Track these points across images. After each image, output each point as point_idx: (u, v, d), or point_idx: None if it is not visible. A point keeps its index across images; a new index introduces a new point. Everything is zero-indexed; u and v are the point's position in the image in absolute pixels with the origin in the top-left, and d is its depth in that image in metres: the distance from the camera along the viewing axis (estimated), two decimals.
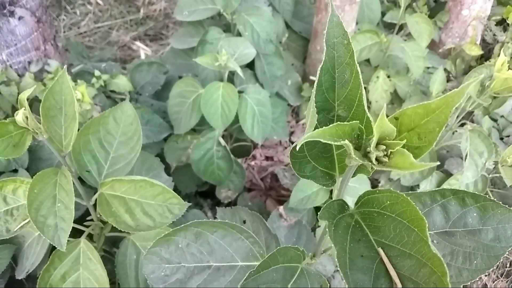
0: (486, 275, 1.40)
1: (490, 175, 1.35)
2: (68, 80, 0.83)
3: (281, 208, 1.14)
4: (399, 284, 0.36)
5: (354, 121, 0.35)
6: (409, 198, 0.37)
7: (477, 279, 1.45)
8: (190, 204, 0.90)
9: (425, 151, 0.34)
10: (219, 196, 1.54)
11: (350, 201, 1.36)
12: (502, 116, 1.76)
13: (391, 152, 0.34)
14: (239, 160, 1.55)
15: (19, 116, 0.72)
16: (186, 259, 0.73)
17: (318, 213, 0.39)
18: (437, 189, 0.53)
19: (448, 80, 1.86)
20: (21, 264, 1.02)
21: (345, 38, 0.39)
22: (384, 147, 0.34)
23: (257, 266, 0.49)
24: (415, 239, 0.36)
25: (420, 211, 0.36)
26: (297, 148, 0.33)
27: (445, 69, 1.93)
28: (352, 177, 0.41)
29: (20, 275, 0.99)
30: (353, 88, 0.39)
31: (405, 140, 0.34)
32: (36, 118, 0.78)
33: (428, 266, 0.35)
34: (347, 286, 0.35)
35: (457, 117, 1.36)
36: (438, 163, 0.32)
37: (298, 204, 1.26)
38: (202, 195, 1.70)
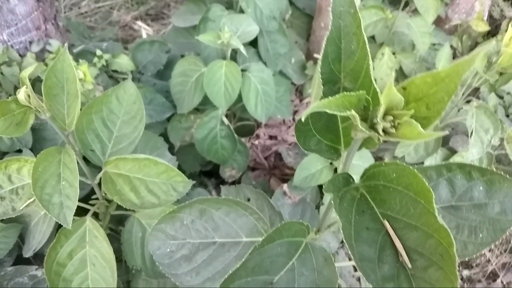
0: (489, 251, 1.40)
1: (495, 152, 1.35)
2: (70, 58, 0.82)
3: (285, 186, 1.14)
4: (404, 255, 0.36)
5: (361, 92, 0.34)
6: (415, 170, 0.36)
7: (482, 254, 1.46)
8: (194, 182, 0.90)
9: (433, 121, 0.34)
10: (223, 175, 1.55)
11: (355, 178, 1.36)
12: (508, 93, 1.74)
13: (398, 123, 0.33)
14: (243, 139, 1.55)
15: (21, 94, 0.71)
16: (191, 235, 0.74)
17: (323, 188, 0.38)
18: (443, 163, 0.52)
19: (454, 57, 1.84)
20: (28, 242, 1.03)
21: (351, 7, 0.38)
22: (391, 117, 0.33)
23: (262, 240, 0.50)
24: (421, 211, 0.36)
25: (426, 183, 0.35)
26: (303, 120, 0.32)
27: (451, 46, 1.90)
28: (358, 150, 0.41)
29: (27, 253, 1.00)
30: (359, 59, 0.38)
31: (412, 110, 0.33)
32: (39, 98, 0.78)
33: (434, 238, 0.35)
34: (352, 258, 0.35)
35: (463, 94, 1.34)
36: (447, 132, 0.31)
37: (302, 182, 1.26)
38: (206, 175, 1.70)
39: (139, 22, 2.94)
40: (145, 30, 2.83)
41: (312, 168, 1.27)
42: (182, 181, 0.88)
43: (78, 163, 0.92)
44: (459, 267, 1.38)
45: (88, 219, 0.93)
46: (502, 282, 1.32)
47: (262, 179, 1.65)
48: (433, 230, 0.35)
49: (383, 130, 0.34)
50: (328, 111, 0.30)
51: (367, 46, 0.38)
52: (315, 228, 0.58)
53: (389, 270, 0.36)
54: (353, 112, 0.31)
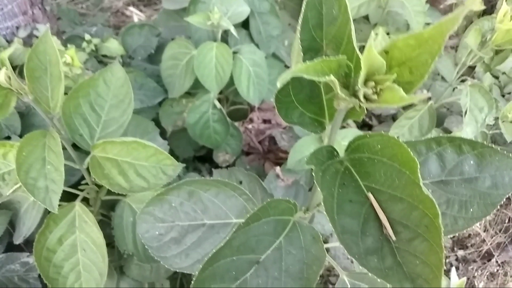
0: (484, 231, 1.40)
1: (490, 132, 1.34)
2: (52, 40, 0.80)
3: (278, 168, 1.13)
4: (388, 227, 0.35)
5: (341, 57, 0.32)
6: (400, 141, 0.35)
7: (477, 233, 1.46)
8: (184, 165, 0.89)
9: (417, 85, 0.32)
10: (216, 160, 1.53)
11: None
12: (503, 73, 1.72)
13: (380, 89, 0.32)
14: (236, 124, 1.53)
15: (1, 76, 0.69)
16: (180, 217, 0.73)
17: (305, 161, 0.37)
18: (432, 137, 0.51)
19: (449, 37, 1.82)
20: (18, 229, 1.02)
21: None
22: (373, 83, 0.32)
23: (246, 218, 0.48)
24: (406, 182, 0.34)
25: (411, 153, 0.34)
26: (278, 86, 0.30)
27: None
28: (343, 122, 0.39)
29: (18, 240, 0.99)
30: (341, 25, 0.36)
31: (395, 75, 0.31)
32: (22, 81, 0.76)
33: (419, 209, 0.34)
34: (334, 231, 0.34)
35: (458, 73, 1.33)
36: (429, 94, 0.29)
37: (295, 165, 1.25)
38: (200, 160, 1.69)
39: (131, 8, 2.89)
40: (137, 15, 2.79)
41: (305, 150, 1.25)
42: (172, 164, 0.87)
43: (65, 147, 0.91)
44: (454, 247, 1.38)
45: (77, 204, 0.92)
46: (497, 261, 1.32)
47: (256, 164, 1.64)
48: (418, 201, 0.34)
49: (365, 97, 0.32)
50: (305, 76, 0.29)
51: (349, 10, 0.36)
52: (304, 207, 0.57)
53: (373, 243, 0.35)
54: (332, 77, 0.30)
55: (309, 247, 0.51)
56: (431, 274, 0.33)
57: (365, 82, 0.32)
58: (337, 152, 0.40)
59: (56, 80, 0.79)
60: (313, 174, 0.35)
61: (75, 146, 0.97)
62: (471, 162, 0.50)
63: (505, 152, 0.49)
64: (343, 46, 0.37)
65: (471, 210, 0.49)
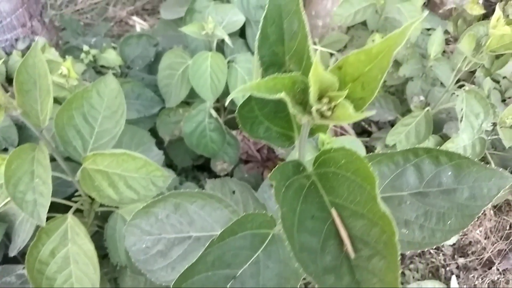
0: (485, 238, 1.38)
1: (489, 137, 1.32)
2: (41, 53, 0.81)
3: None
4: (348, 245, 0.34)
5: (295, 74, 0.32)
6: (363, 156, 0.34)
7: (478, 241, 1.44)
8: (174, 176, 0.89)
9: (368, 101, 0.32)
10: (214, 169, 1.53)
11: None
12: (504, 77, 1.70)
13: (335, 105, 0.31)
14: (234, 132, 1.53)
15: None
16: (166, 230, 0.73)
17: (269, 176, 0.37)
18: (409, 148, 0.50)
19: (447, 43, 1.80)
20: (13, 241, 1.03)
21: None
22: (327, 99, 0.32)
23: (220, 232, 0.48)
24: (367, 198, 0.34)
25: (370, 168, 0.33)
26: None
27: (446, 31, 1.87)
28: (309, 137, 0.39)
29: (13, 252, 1.00)
30: (301, 40, 0.36)
31: (346, 91, 0.31)
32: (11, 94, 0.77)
33: (379, 225, 0.33)
34: (290, 249, 0.33)
35: (455, 78, 1.31)
36: (374, 112, 0.29)
37: None
38: (199, 169, 1.69)
39: (134, 17, 2.92)
40: (139, 24, 2.82)
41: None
42: (162, 176, 0.87)
43: (56, 160, 0.91)
44: (454, 255, 1.36)
45: (70, 216, 0.92)
46: (498, 269, 1.29)
47: (255, 172, 1.64)
48: (378, 217, 0.33)
49: (321, 113, 0.32)
50: (256, 93, 0.29)
51: (307, 26, 0.36)
52: None
53: (331, 261, 0.34)
54: (283, 94, 0.29)
55: (287, 261, 0.51)
56: None
57: (320, 99, 0.32)
58: (304, 166, 0.40)
59: (45, 93, 0.80)
60: (273, 191, 0.35)
61: (69, 158, 0.97)
62: (449, 173, 0.50)
63: (481, 163, 0.49)
64: (305, 61, 0.37)
65: (449, 222, 0.48)
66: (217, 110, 1.53)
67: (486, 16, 2.00)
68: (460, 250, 1.37)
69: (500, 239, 1.34)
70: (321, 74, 0.29)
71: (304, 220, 0.35)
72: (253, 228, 0.51)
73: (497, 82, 1.70)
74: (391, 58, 0.28)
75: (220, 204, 0.71)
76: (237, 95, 0.29)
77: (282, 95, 0.29)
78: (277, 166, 0.38)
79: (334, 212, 0.35)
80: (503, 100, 1.64)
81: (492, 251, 1.32)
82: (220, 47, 1.44)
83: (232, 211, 0.70)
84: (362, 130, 1.69)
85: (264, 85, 0.30)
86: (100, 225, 1.14)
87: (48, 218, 0.93)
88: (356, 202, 0.35)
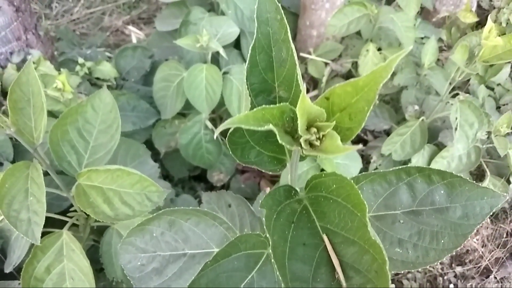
0: (483, 246, 1.38)
1: (484, 146, 1.32)
2: (34, 71, 0.81)
3: (268, 189, 1.12)
4: (340, 273, 0.34)
5: (284, 104, 0.32)
6: (353, 181, 0.35)
7: (475, 249, 1.44)
8: (170, 191, 0.89)
9: (355, 132, 0.32)
10: (211, 180, 1.53)
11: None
12: (498, 84, 1.71)
13: (323, 135, 0.31)
14: None
15: None
16: (161, 247, 0.72)
17: (260, 204, 0.37)
18: (402, 167, 0.50)
19: (441, 50, 1.81)
20: (9, 257, 1.02)
21: (278, 12, 0.36)
22: (316, 129, 0.32)
23: (214, 255, 0.48)
24: (358, 225, 0.34)
25: (361, 195, 0.33)
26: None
27: (440, 39, 1.88)
28: (301, 160, 0.39)
29: (8, 268, 0.99)
30: (290, 67, 0.36)
31: (334, 122, 0.31)
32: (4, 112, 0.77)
33: (370, 253, 0.33)
34: (281, 278, 0.33)
35: (450, 85, 1.32)
36: (360, 146, 0.29)
37: None
38: (196, 179, 1.69)
39: (130, 27, 2.92)
40: (135, 34, 2.82)
41: (298, 169, 1.25)
42: (157, 191, 0.87)
43: (50, 176, 0.91)
44: (452, 263, 1.35)
45: (65, 232, 0.92)
46: (495, 277, 1.29)
47: (252, 182, 1.63)
48: (369, 245, 0.33)
49: (310, 143, 0.32)
50: (244, 126, 0.29)
51: (295, 54, 0.36)
52: None
53: None
54: (270, 126, 0.29)
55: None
56: None
57: (308, 128, 0.32)
58: (295, 190, 0.40)
59: (39, 110, 0.80)
60: (264, 219, 0.35)
61: (64, 173, 0.97)
62: (442, 191, 0.50)
63: (474, 182, 0.49)
64: (294, 88, 0.37)
65: (442, 241, 0.48)
66: (213, 121, 1.53)
67: (480, 23, 2.01)
68: (458, 258, 1.37)
69: (497, 247, 1.34)
70: (308, 106, 0.30)
71: (295, 247, 0.35)
72: (247, 249, 0.51)
73: (492, 89, 1.71)
74: (377, 91, 0.29)
75: (214, 221, 0.71)
76: (222, 129, 0.29)
77: (270, 126, 0.29)
78: (268, 192, 0.38)
79: (326, 239, 0.35)
80: (498, 107, 1.65)
81: (489, 259, 1.32)
82: (216, 58, 1.44)
83: (227, 228, 0.70)
84: (358, 139, 1.70)
85: (252, 117, 0.30)
86: (96, 239, 1.14)
87: (43, 233, 0.93)
88: (347, 229, 0.35)
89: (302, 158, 0.40)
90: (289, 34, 0.36)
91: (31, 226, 0.74)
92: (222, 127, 0.29)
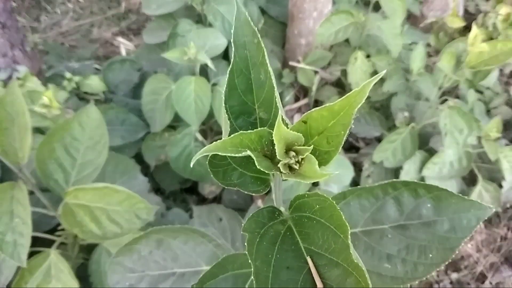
0: (477, 251, 1.38)
1: (475, 151, 1.33)
2: (19, 90, 0.80)
3: (259, 202, 1.12)
4: None
5: (261, 129, 0.32)
6: (340, 196, 0.34)
7: (470, 255, 1.44)
8: (158, 207, 0.88)
9: (333, 155, 0.32)
10: (203, 192, 1.52)
11: (335, 189, 1.30)
12: (488, 88, 1.72)
13: (302, 158, 0.31)
14: None
15: None
16: (150, 267, 0.71)
17: (242, 228, 0.36)
18: (387, 181, 0.50)
19: (430, 56, 1.82)
20: None
21: (255, 36, 0.35)
22: (294, 153, 0.31)
23: (200, 277, 0.47)
24: (341, 246, 0.33)
25: (343, 217, 0.33)
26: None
27: (428, 44, 1.89)
28: (285, 180, 0.38)
29: None
30: (269, 89, 0.36)
31: (312, 146, 0.31)
32: None
33: (353, 276, 0.32)
34: None
35: (439, 92, 1.32)
36: (336, 172, 0.28)
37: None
38: (187, 192, 1.67)
39: (119, 38, 2.91)
40: (124, 45, 2.81)
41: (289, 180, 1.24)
42: (145, 208, 0.86)
43: (37, 195, 0.90)
44: (447, 270, 1.35)
45: (52, 252, 0.90)
46: (491, 283, 1.29)
47: (244, 193, 1.62)
48: (353, 267, 0.33)
49: (289, 166, 0.32)
50: (221, 153, 0.28)
51: (273, 77, 0.36)
52: None
53: None
54: (248, 152, 0.29)
55: None
56: None
57: (287, 152, 0.31)
58: (279, 211, 0.39)
59: (24, 131, 0.79)
60: (246, 244, 0.34)
61: (50, 191, 0.96)
62: (428, 205, 0.49)
63: (460, 195, 0.48)
64: (274, 109, 0.36)
65: (431, 255, 0.48)
66: (203, 132, 1.52)
67: (467, 28, 2.03)
68: (453, 264, 1.37)
69: (492, 251, 1.34)
70: (285, 132, 0.29)
71: (279, 272, 0.34)
72: (235, 269, 0.50)
73: (481, 92, 1.72)
74: (352, 115, 0.28)
75: (204, 238, 0.70)
76: (199, 156, 0.29)
77: (248, 152, 0.29)
78: (251, 214, 0.37)
79: (310, 261, 0.35)
80: (488, 111, 1.65)
81: (484, 265, 1.32)
82: (204, 69, 1.44)
83: (216, 245, 0.69)
84: (350, 146, 1.70)
85: (230, 143, 0.29)
86: (85, 257, 1.12)
87: (31, 253, 0.92)
88: (331, 250, 0.34)
89: (285, 179, 0.39)
90: (266, 57, 0.35)
91: (16, 248, 0.73)
92: (198, 155, 0.28)
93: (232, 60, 0.36)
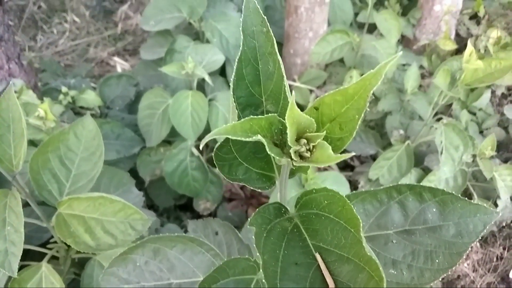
0: (473, 271, 1.36)
1: (470, 169, 1.33)
2: (15, 97, 0.79)
3: None
4: None
5: (272, 115, 0.31)
6: (347, 196, 0.33)
7: (466, 274, 1.42)
8: (154, 219, 0.86)
9: (347, 141, 0.31)
10: (197, 209, 1.50)
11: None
12: (480, 109, 1.74)
13: (313, 146, 0.30)
14: (216, 170, 1.51)
15: None
16: (145, 277, 0.69)
17: (248, 222, 0.35)
18: (392, 185, 0.49)
19: (423, 77, 1.85)
20: None
21: (264, 25, 0.35)
22: (306, 140, 0.31)
23: (201, 281, 0.46)
24: (352, 241, 0.33)
25: (354, 210, 0.32)
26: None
27: (421, 66, 1.92)
28: (290, 177, 0.38)
29: None
30: (277, 80, 0.36)
31: (324, 132, 0.30)
32: None
33: (366, 271, 0.31)
34: None
35: (433, 111, 1.34)
36: (353, 153, 0.28)
37: None
38: (181, 209, 1.65)
39: (115, 58, 2.93)
40: (120, 65, 2.82)
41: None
42: (141, 219, 0.84)
43: (30, 207, 0.88)
44: None
45: (44, 265, 0.88)
46: None
47: (239, 210, 1.61)
48: (365, 262, 0.32)
49: (300, 154, 0.31)
50: (231, 136, 0.28)
51: (282, 66, 0.35)
52: None
53: None
54: (259, 136, 0.28)
55: None
56: None
57: (298, 139, 0.31)
58: (285, 208, 0.38)
59: (19, 137, 0.77)
60: (254, 237, 0.33)
61: (44, 203, 0.94)
62: (434, 209, 0.49)
63: (466, 199, 0.48)
64: (282, 101, 0.36)
65: (437, 261, 0.47)
66: (199, 148, 1.51)
67: (459, 51, 2.07)
68: (449, 284, 1.35)
69: (488, 271, 1.33)
70: (298, 115, 0.29)
71: (287, 268, 0.33)
72: (236, 274, 0.49)
73: (474, 114, 1.74)
74: (367, 98, 0.28)
75: (201, 248, 0.68)
76: (212, 138, 0.28)
77: (259, 137, 0.28)
78: (257, 209, 0.36)
79: (318, 257, 0.34)
80: (481, 132, 1.67)
81: (481, 284, 1.30)
82: (201, 85, 1.44)
83: (214, 254, 0.68)
84: (345, 165, 1.69)
85: (240, 128, 0.29)
86: (77, 272, 1.09)
87: (22, 267, 0.89)
88: (341, 246, 0.33)
89: (292, 174, 0.38)
90: (275, 46, 0.35)
91: (7, 257, 0.70)
92: (208, 137, 0.28)
93: (240, 49, 0.36)
